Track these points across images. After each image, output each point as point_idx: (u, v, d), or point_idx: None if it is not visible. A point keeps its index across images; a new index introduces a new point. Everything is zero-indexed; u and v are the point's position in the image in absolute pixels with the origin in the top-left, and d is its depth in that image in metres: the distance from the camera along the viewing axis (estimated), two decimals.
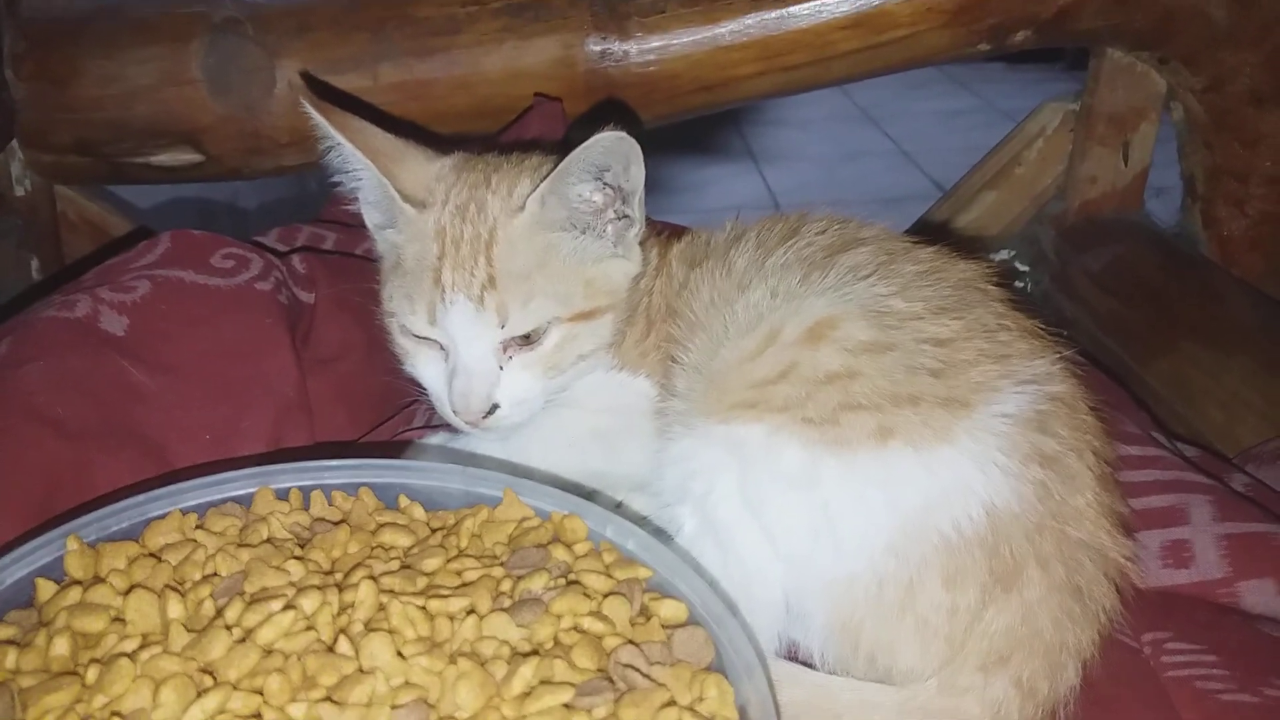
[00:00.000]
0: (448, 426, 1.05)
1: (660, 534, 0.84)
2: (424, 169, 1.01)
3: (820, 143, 3.91)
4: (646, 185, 0.98)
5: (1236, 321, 1.48)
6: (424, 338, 0.97)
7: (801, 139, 3.95)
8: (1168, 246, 1.74)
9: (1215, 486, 1.03)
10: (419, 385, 1.01)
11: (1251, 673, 0.84)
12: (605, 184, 0.95)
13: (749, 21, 1.60)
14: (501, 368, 0.95)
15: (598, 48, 1.62)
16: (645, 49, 1.62)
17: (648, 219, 1.02)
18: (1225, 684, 0.84)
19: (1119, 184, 1.80)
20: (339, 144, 0.96)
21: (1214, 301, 1.54)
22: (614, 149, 0.91)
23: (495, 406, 0.95)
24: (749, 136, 3.92)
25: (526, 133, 1.48)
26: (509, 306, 0.93)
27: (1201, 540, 0.96)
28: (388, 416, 1.18)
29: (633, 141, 0.90)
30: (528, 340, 0.95)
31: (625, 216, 0.98)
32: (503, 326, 0.93)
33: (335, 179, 1.01)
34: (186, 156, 1.67)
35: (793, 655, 0.87)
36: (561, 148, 0.94)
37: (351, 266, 1.29)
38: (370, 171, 0.96)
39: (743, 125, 3.98)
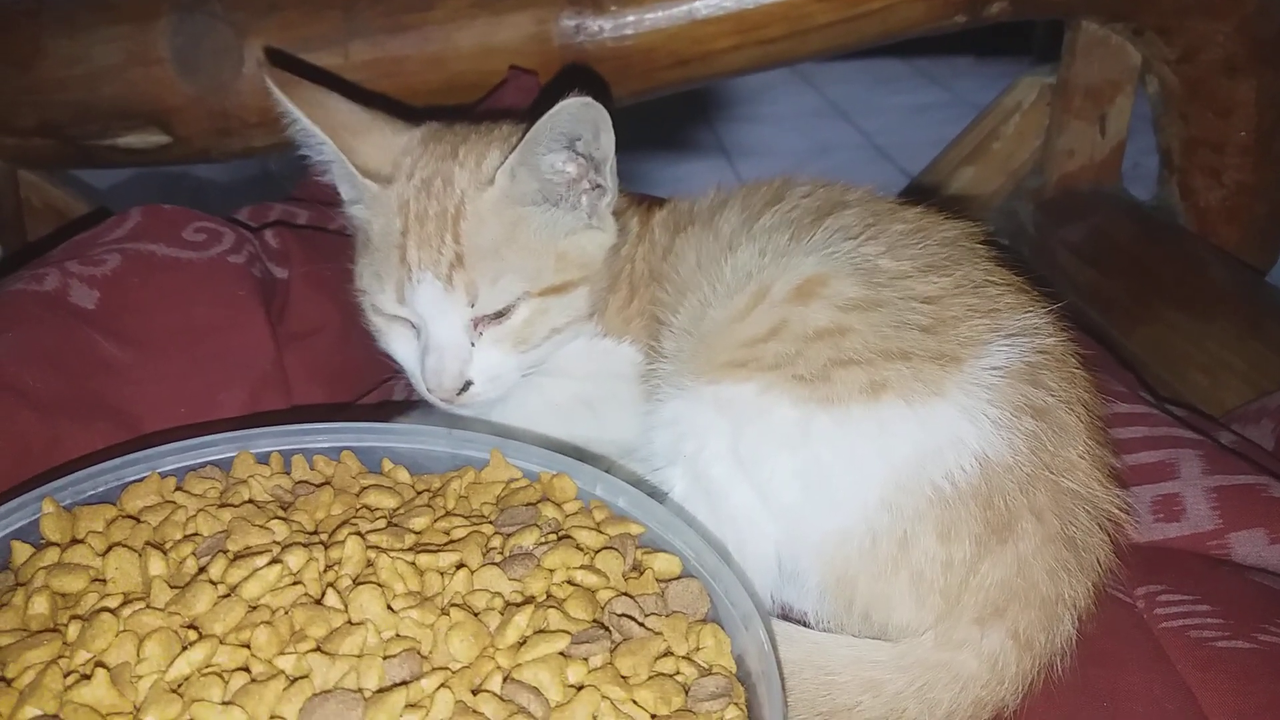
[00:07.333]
0: (426, 403, 1.03)
1: (654, 494, 0.82)
2: (391, 142, 0.99)
3: (792, 137, 3.88)
4: (620, 178, 0.96)
5: (1215, 287, 1.48)
6: (395, 316, 0.96)
7: (774, 134, 3.92)
8: (1146, 217, 1.74)
9: (1204, 441, 1.03)
10: (394, 362, 0.99)
11: (1244, 620, 0.84)
12: (577, 153, 0.92)
13: None
14: (473, 344, 0.93)
15: (572, 23, 1.59)
16: (620, 24, 1.59)
17: (626, 190, 1.01)
18: (1219, 632, 0.83)
19: (1096, 157, 1.80)
20: (298, 119, 0.94)
21: (1192, 268, 1.54)
22: (580, 116, 0.88)
23: (469, 383, 0.94)
24: (721, 132, 3.89)
25: (501, 106, 1.46)
26: (478, 285, 0.91)
27: (1191, 494, 0.96)
28: (366, 391, 1.16)
29: (599, 107, 0.88)
30: (499, 315, 0.93)
31: (598, 186, 0.96)
32: (472, 305, 0.92)
33: (303, 154, 0.99)
34: (154, 138, 1.64)
35: (785, 618, 0.86)
36: (531, 116, 0.90)
37: (326, 242, 1.27)
38: (329, 146, 0.94)
39: (715, 121, 3.95)
